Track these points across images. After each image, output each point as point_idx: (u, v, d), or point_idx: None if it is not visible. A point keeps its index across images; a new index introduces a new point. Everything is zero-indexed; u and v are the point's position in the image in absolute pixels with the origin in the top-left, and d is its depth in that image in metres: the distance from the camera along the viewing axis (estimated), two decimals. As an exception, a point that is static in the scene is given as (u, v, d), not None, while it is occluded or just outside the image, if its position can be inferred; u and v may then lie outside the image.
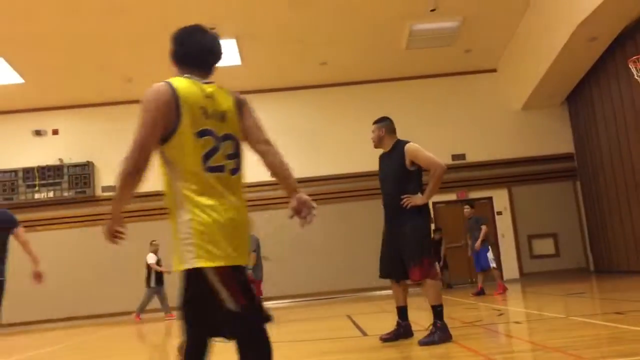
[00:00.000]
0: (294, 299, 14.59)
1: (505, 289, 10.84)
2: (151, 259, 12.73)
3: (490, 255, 10.87)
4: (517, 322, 6.60)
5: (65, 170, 15.74)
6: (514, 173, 15.83)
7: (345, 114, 16.24)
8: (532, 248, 15.48)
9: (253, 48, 14.06)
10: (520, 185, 15.68)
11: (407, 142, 5.82)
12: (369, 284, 14.67)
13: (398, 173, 5.56)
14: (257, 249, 9.40)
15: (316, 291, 14.87)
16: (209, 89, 2.65)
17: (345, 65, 15.39)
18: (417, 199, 5.34)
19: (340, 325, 8.06)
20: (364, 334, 6.63)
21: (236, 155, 2.67)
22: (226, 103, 2.67)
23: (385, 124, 6.17)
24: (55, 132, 16.20)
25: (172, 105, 2.52)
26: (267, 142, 2.80)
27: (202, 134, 2.51)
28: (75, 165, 15.79)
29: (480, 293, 10.74)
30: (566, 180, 15.90)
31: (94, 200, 15.79)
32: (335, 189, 15.87)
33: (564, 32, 12.25)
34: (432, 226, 15.17)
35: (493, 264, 10.87)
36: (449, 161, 15.74)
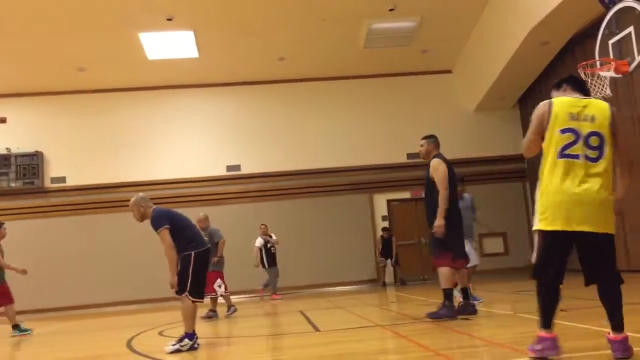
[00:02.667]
0: (248, 295, 14.52)
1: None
2: (258, 242, 13.35)
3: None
4: (466, 319, 6.73)
5: (12, 160, 15.26)
6: (466, 173, 16.03)
7: (304, 110, 16.27)
8: (482, 246, 15.83)
9: (211, 41, 13.91)
10: (472, 185, 15.97)
11: (437, 156, 6.66)
12: (324, 280, 14.80)
13: (427, 182, 6.51)
14: (217, 242, 9.33)
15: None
16: (582, 102, 3.58)
17: (303, 62, 15.38)
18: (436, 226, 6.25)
19: (293, 320, 8.07)
20: (316, 329, 6.65)
21: (599, 148, 3.49)
22: (597, 110, 3.52)
23: (432, 140, 7.06)
24: (2, 120, 15.68)
25: (546, 113, 3.62)
26: (627, 164, 3.71)
27: (564, 131, 3.51)
28: (24, 155, 15.33)
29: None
30: (516, 181, 16.33)
31: (42, 191, 15.36)
32: (290, 184, 15.88)
33: (518, 36, 12.56)
34: (387, 225, 15.55)
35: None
36: (404, 159, 15.98)
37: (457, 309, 6.39)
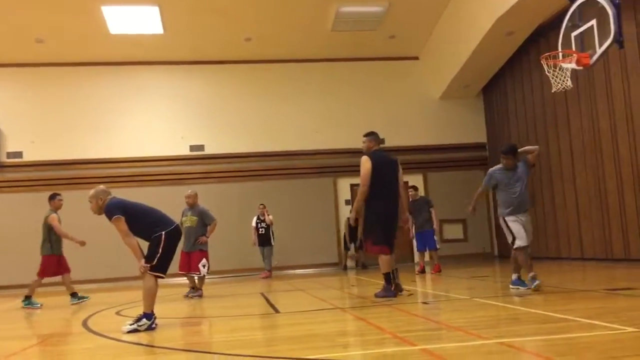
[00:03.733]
0: (209, 276, 14.42)
1: (440, 269, 11.33)
2: (253, 222, 13.94)
3: (437, 237, 11.48)
4: (424, 303, 6.84)
5: (-34, 133, 14.75)
6: (429, 159, 16.33)
7: (270, 92, 16.14)
8: (442, 233, 16.06)
9: (177, 17, 13.64)
10: (435, 172, 16.19)
11: (373, 153, 7.16)
12: (286, 263, 14.80)
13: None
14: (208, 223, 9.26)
15: (231, 268, 14.78)
16: None
17: (270, 43, 15.24)
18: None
19: (254, 302, 8.07)
20: (276, 311, 6.67)
21: None
22: None
23: (373, 137, 7.40)
24: (-43, 92, 15.14)
25: None
26: None
27: None
28: (-21, 129, 14.82)
29: (423, 271, 11.33)
30: (477, 169, 16.55)
31: (-2, 166, 14.92)
32: (255, 166, 15.80)
33: (484, 25, 12.68)
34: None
35: (438, 245, 11.49)
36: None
37: (383, 292, 6.98)
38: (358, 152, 16.71)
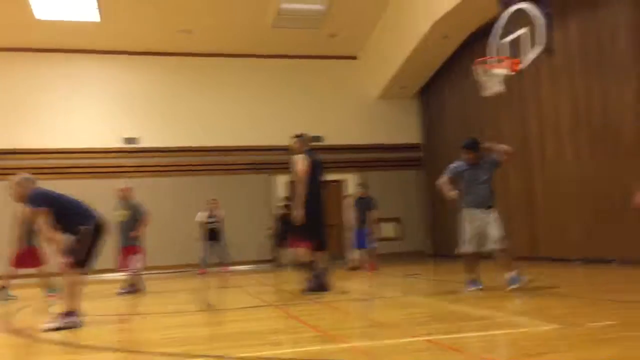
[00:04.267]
0: (144, 273, 14.07)
1: (375, 267, 11.45)
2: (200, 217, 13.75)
3: (373, 236, 11.59)
4: (358, 300, 6.92)
5: None
6: (365, 159, 16.51)
7: (207, 86, 15.91)
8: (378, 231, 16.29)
9: (114, 6, 13.22)
10: (371, 171, 16.38)
11: (305, 152, 7.36)
12: (220, 259, 14.57)
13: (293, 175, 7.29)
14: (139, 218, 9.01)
15: (167, 264, 14.50)
16: None
17: (209, 36, 15.00)
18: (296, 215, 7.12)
19: (187, 299, 7.94)
20: (210, 308, 6.58)
21: None
22: None
23: (302, 139, 7.58)
24: None
25: None
26: None
27: None
28: None
29: (359, 268, 11.54)
30: (412, 169, 16.89)
31: None
32: (190, 161, 15.53)
33: (421, 28, 12.92)
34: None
35: (375, 244, 11.61)
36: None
37: (311, 287, 7.12)
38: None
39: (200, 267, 13.58)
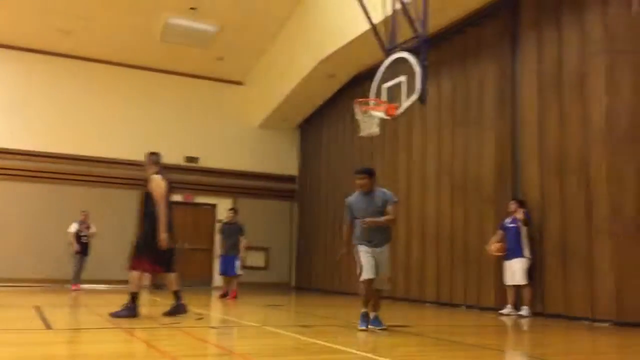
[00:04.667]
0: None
1: (236, 295, 11.17)
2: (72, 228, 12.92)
3: (238, 263, 11.24)
4: (213, 327, 6.71)
5: None
6: (241, 185, 16.38)
7: (84, 92, 15.09)
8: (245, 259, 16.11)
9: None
10: (245, 198, 16.25)
11: (158, 173, 7.20)
12: (67, 275, 13.61)
13: (146, 195, 7.15)
14: None
15: (6, 277, 13.33)
16: None
17: (93, 40, 14.32)
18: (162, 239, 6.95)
19: (23, 315, 7.28)
20: (48, 327, 6.06)
21: None
22: None
23: (153, 158, 7.42)
24: None
25: None
26: None
27: None
28: None
29: (226, 295, 11.14)
30: (286, 200, 16.99)
31: None
32: (56, 169, 14.53)
33: (307, 64, 13.18)
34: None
35: (240, 272, 11.27)
36: (182, 162, 15.65)
37: (169, 310, 7.03)
38: (169, 168, 16.18)
39: (73, 282, 12.71)
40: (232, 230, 11.47)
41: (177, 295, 7.17)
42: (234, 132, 16.49)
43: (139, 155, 15.32)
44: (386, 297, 11.00)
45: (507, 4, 9.81)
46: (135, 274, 6.89)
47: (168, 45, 14.40)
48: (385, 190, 6.48)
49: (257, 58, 15.46)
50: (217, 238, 12.09)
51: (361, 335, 5.90)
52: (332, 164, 15.16)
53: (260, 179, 16.61)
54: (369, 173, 6.45)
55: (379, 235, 6.36)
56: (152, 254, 6.90)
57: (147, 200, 7.06)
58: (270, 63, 15.16)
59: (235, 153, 16.48)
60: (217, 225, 13.21)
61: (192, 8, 12.80)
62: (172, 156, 15.50)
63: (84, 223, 13.05)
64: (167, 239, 6.87)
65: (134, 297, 6.84)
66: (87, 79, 15.13)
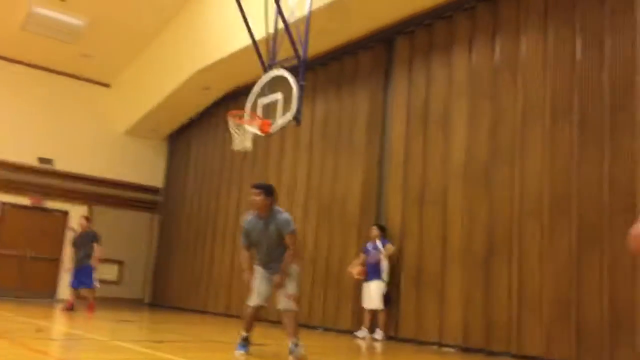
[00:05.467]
0: None
1: (94, 309, 10.41)
2: None
3: (95, 274, 10.58)
4: (54, 340, 6.16)
5: None
6: (99, 192, 15.40)
7: None
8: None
9: None
10: (102, 206, 15.32)
11: None
12: None
13: None
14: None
15: None
16: None
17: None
18: None
19: None
20: None
21: None
22: None
23: None
24: None
25: None
26: None
27: None
28: None
29: (71, 309, 10.31)
30: (146, 212, 16.24)
31: None
32: None
33: (183, 73, 12.81)
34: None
35: (97, 284, 10.61)
36: (35, 163, 14.48)
37: None
38: (20, 168, 14.88)
39: None
40: (86, 239, 10.75)
41: None
42: (96, 136, 15.51)
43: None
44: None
45: (382, 39, 10.22)
46: None
47: (29, 35, 13.31)
48: (284, 215, 5.61)
49: (129, 60, 14.73)
50: (68, 250, 11.20)
51: (211, 350, 5.69)
52: (199, 179, 14.78)
53: (120, 187, 15.73)
54: (266, 190, 5.58)
55: (277, 263, 5.58)
56: None
57: None
58: (143, 67, 14.54)
59: (96, 158, 15.48)
60: (69, 235, 12.23)
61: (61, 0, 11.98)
62: (23, 155, 14.33)
63: None
64: None
65: None
66: None
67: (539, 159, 7.54)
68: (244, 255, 5.76)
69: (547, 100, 7.59)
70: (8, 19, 12.76)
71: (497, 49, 8.37)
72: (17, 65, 14.56)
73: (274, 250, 5.57)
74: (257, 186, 5.64)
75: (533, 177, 7.54)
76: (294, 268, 5.62)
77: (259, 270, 5.64)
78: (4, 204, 14.10)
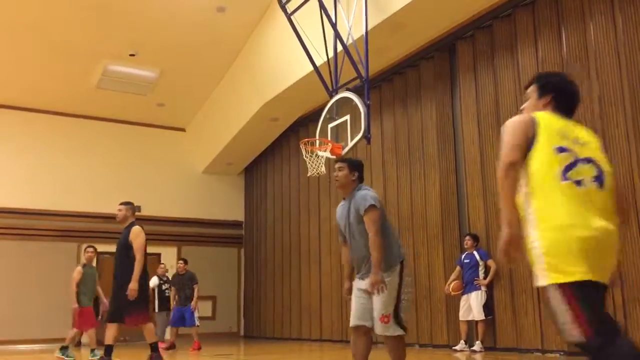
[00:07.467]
0: None
1: (200, 347, 10.86)
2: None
3: (197, 313, 11.13)
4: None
5: None
6: (185, 232, 15.97)
7: (11, 141, 14.44)
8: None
9: None
10: (190, 246, 15.85)
11: (136, 223, 7.21)
12: (6, 336, 12.86)
13: (121, 246, 7.11)
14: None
15: None
16: (570, 123, 2.81)
17: (25, 89, 13.86)
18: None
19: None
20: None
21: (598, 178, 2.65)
22: (589, 137, 2.79)
23: (130, 207, 7.48)
24: None
25: (529, 127, 2.72)
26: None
27: (560, 150, 2.65)
28: None
29: (173, 347, 10.82)
30: (232, 246, 16.66)
31: None
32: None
33: (251, 108, 13.16)
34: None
35: (198, 322, 11.15)
36: (123, 211, 15.13)
37: None
38: (109, 218, 15.56)
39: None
40: (185, 281, 11.24)
41: (153, 347, 6.99)
42: (176, 179, 16.16)
43: (79, 207, 14.90)
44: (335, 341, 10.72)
45: (442, 47, 10.13)
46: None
47: (105, 92, 14.08)
48: (363, 191, 4.46)
49: (199, 103, 15.33)
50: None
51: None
52: (278, 208, 15.04)
53: (205, 225, 16.26)
54: (350, 163, 4.53)
55: (366, 262, 4.32)
56: (139, 305, 6.81)
57: (123, 251, 6.98)
58: (213, 108, 15.07)
59: (179, 200, 16.11)
60: (153, 280, 12.46)
61: (131, 55, 12.64)
62: (113, 206, 14.98)
63: (164, 276, 12.25)
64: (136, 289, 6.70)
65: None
66: (21, 129, 14.56)
67: (624, 151, 7.20)
68: (342, 253, 4.66)
69: (625, 88, 7.26)
70: (83, 79, 13.55)
71: (564, 40, 8.12)
72: (96, 122, 15.35)
73: (357, 242, 4.33)
74: (341, 159, 4.70)
75: (618, 170, 7.20)
76: (394, 275, 4.24)
77: (354, 284, 4.47)
78: (99, 253, 14.79)
